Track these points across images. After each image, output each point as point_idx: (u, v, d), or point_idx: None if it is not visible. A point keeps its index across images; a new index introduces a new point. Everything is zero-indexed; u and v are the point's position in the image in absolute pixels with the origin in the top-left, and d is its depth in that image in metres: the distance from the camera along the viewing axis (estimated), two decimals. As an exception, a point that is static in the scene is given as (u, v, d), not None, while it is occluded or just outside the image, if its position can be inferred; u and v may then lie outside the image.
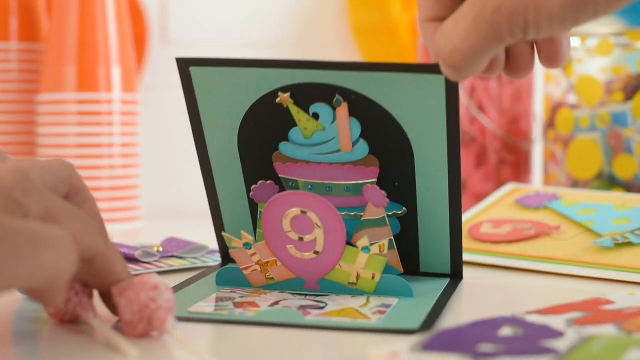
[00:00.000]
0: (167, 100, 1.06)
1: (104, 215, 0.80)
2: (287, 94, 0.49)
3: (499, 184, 0.88)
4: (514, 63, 0.45)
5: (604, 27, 0.83)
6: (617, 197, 0.65)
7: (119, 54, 0.85)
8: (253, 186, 0.52)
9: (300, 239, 0.49)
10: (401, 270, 0.52)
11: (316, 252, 0.49)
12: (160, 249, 0.60)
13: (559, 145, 0.83)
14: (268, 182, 0.52)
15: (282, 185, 0.52)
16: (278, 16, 1.08)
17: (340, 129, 0.49)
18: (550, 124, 0.85)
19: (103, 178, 0.84)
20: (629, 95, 0.78)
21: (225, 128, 0.52)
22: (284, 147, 0.51)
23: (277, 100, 0.50)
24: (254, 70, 0.49)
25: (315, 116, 0.50)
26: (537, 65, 0.93)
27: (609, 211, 0.62)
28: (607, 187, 0.79)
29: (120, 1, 0.86)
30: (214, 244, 0.65)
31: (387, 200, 0.50)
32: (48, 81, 0.84)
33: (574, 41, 0.81)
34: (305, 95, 0.49)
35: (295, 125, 0.50)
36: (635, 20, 0.99)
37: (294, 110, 0.50)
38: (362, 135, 0.50)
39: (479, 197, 0.85)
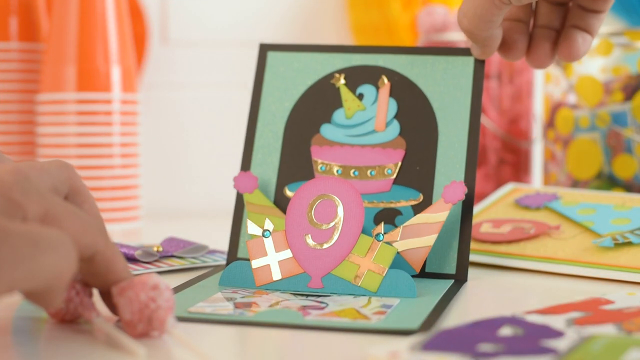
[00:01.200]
0: (167, 100, 1.06)
1: (104, 215, 0.80)
2: (342, 76, 0.59)
3: (499, 183, 0.88)
4: (535, 54, 0.57)
5: (604, 27, 0.83)
6: (617, 197, 0.65)
7: (119, 53, 0.85)
8: (234, 176, 0.57)
9: (321, 226, 0.51)
10: (417, 271, 0.52)
11: (330, 241, 0.50)
12: (161, 249, 0.60)
13: (559, 145, 0.83)
14: (247, 172, 0.57)
15: (312, 171, 0.58)
16: (278, 16, 1.08)
17: (379, 107, 0.58)
18: (550, 124, 0.85)
19: (103, 178, 0.84)
20: (629, 95, 0.78)
21: (279, 109, 0.59)
22: (324, 128, 0.58)
23: (332, 80, 0.59)
24: (320, 55, 0.60)
25: (360, 97, 0.58)
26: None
27: (609, 211, 0.62)
28: (607, 187, 0.79)
29: (120, 1, 0.86)
30: (214, 244, 0.65)
31: (463, 196, 0.52)
32: (48, 81, 0.84)
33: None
34: (356, 76, 0.59)
35: (341, 106, 0.58)
36: (635, 20, 0.99)
37: (344, 90, 0.59)
38: (397, 116, 0.58)
39: (479, 197, 0.85)
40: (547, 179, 0.86)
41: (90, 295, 0.42)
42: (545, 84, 0.85)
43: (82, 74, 0.84)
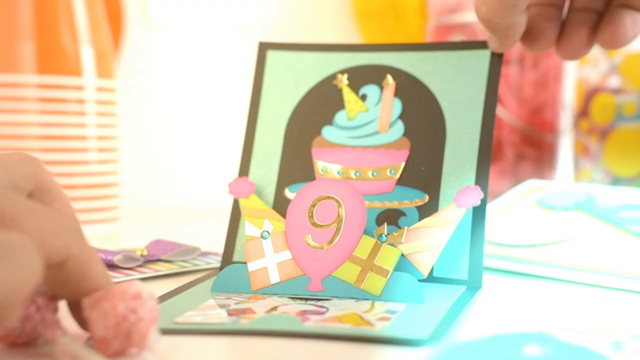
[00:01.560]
0: (151, 88, 1.05)
1: (78, 216, 0.78)
2: (345, 76, 0.60)
3: (516, 181, 0.88)
4: (568, 43, 0.53)
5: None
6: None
7: (90, 32, 0.82)
8: (229, 182, 0.58)
9: (322, 227, 0.52)
10: (425, 275, 0.52)
11: (331, 242, 0.52)
12: (145, 252, 0.59)
13: (594, 137, 0.82)
14: (242, 177, 0.59)
15: (313, 172, 0.59)
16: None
17: (383, 108, 0.58)
18: (583, 112, 0.84)
19: (75, 175, 0.82)
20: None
21: (279, 111, 0.61)
22: (326, 130, 0.60)
23: (334, 81, 0.60)
24: (322, 55, 0.61)
25: (363, 98, 0.60)
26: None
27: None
28: (654, 185, 0.78)
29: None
30: (206, 246, 0.65)
31: (478, 202, 0.53)
32: (0, 61, 0.80)
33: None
34: (360, 76, 0.60)
35: (343, 108, 0.60)
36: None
37: (347, 91, 0.60)
38: (401, 116, 0.58)
39: (492, 195, 0.85)
40: (578, 176, 0.85)
41: (55, 310, 0.40)
42: (580, 67, 0.84)
43: (43, 53, 0.80)
